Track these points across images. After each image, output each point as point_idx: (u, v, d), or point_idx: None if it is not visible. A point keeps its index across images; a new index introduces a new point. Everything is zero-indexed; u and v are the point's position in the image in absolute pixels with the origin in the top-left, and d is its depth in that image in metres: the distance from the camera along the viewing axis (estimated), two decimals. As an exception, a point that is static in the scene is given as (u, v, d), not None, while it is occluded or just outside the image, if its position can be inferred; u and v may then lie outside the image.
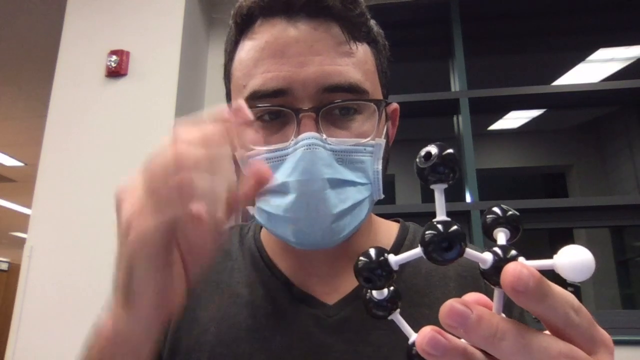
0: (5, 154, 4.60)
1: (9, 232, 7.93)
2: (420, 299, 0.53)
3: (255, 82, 0.47)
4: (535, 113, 3.40)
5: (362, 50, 0.50)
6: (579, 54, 2.87)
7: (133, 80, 1.87)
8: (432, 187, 0.25)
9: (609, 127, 3.36)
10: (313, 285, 0.54)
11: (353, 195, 0.47)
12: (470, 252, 0.24)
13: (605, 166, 3.44)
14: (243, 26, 0.50)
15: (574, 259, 0.23)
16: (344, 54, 0.48)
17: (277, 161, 0.46)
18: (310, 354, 0.50)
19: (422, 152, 0.25)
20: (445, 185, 0.25)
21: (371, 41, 0.52)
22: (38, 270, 1.71)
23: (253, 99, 0.47)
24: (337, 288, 0.53)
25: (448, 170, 0.24)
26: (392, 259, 0.26)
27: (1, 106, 3.61)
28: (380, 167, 0.49)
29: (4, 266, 5.85)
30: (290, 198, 0.45)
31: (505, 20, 2.41)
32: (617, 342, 1.76)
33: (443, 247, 0.24)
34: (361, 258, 0.26)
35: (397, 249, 0.57)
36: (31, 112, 3.60)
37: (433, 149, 0.25)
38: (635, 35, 2.56)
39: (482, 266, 0.25)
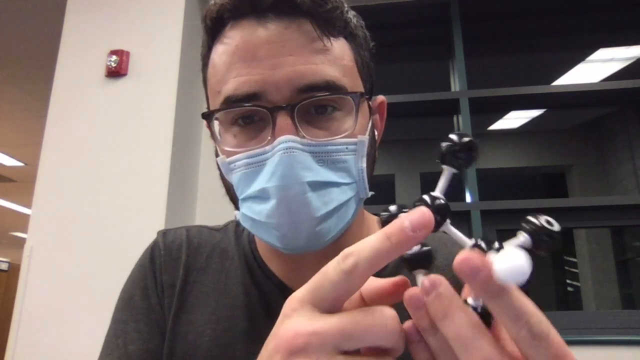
0: (5, 154, 4.60)
1: (9, 232, 7.93)
2: None
3: (228, 88, 0.46)
4: (535, 113, 3.40)
5: (338, 46, 0.48)
6: (579, 54, 2.87)
7: (133, 80, 1.87)
8: (443, 166, 0.28)
9: (609, 127, 3.36)
10: None
11: (337, 196, 0.45)
12: (452, 230, 0.27)
13: (605, 166, 3.44)
14: (214, 30, 0.49)
15: (508, 264, 0.24)
16: (318, 51, 0.46)
17: (257, 166, 0.45)
18: None
19: (457, 139, 0.28)
20: (454, 171, 0.28)
21: (348, 35, 0.49)
22: (38, 270, 1.71)
23: (227, 104, 0.46)
24: None
25: (464, 158, 0.27)
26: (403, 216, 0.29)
27: (1, 106, 3.61)
28: (364, 164, 0.47)
29: (4, 266, 5.85)
30: (270, 204, 0.44)
31: (505, 20, 2.41)
32: (617, 342, 1.76)
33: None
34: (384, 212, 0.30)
35: None
36: (31, 112, 3.60)
37: (465, 139, 0.27)
38: (635, 35, 2.56)
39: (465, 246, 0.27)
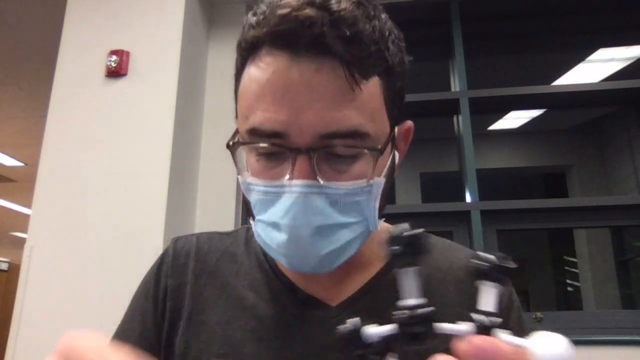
0: (5, 154, 4.60)
1: (9, 232, 7.93)
2: None
3: (255, 120, 0.47)
4: (535, 113, 3.40)
5: (370, 87, 0.47)
6: (579, 54, 2.87)
7: (133, 80, 1.87)
8: (394, 271, 0.27)
9: (609, 127, 3.36)
10: (316, 289, 0.55)
11: (345, 235, 0.48)
12: (443, 327, 0.26)
13: (605, 166, 3.44)
14: (249, 52, 0.50)
15: (552, 350, 0.23)
16: (346, 99, 0.46)
17: (274, 195, 0.47)
18: (314, 355, 0.51)
19: (390, 236, 0.27)
20: (408, 269, 0.27)
21: (383, 70, 0.49)
22: (38, 270, 1.71)
23: (252, 134, 0.48)
24: (340, 291, 0.55)
25: (410, 254, 0.26)
26: (370, 331, 0.28)
27: (1, 106, 3.61)
28: (377, 203, 0.49)
29: (4, 266, 5.85)
30: (281, 237, 0.47)
31: (505, 20, 2.41)
32: (617, 342, 1.76)
33: (409, 332, 0.26)
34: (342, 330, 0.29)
35: None
36: (31, 112, 3.60)
37: (398, 236, 0.27)
38: (635, 35, 2.56)
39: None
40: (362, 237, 0.50)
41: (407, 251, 0.26)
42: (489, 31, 2.45)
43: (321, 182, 0.46)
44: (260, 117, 0.47)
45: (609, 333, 1.72)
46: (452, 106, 2.13)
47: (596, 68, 2.98)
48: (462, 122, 2.05)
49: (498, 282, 0.26)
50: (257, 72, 0.48)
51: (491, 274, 0.26)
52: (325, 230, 0.47)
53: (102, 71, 1.88)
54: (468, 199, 1.97)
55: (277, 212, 0.47)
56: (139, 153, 1.78)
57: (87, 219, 1.73)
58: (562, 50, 2.85)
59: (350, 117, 0.46)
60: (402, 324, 0.25)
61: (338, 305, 0.53)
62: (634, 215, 1.94)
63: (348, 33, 0.44)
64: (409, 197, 3.70)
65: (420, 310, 0.25)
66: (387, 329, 0.26)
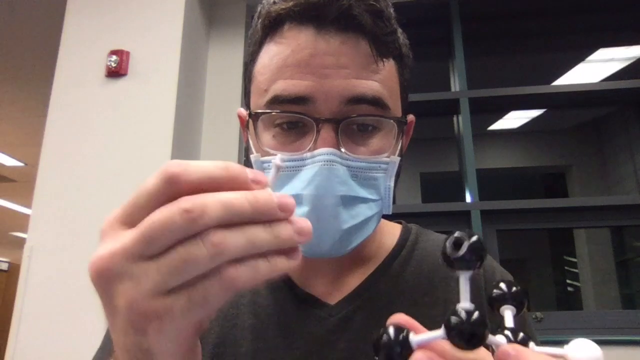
0: (5, 154, 4.60)
1: (9, 232, 7.93)
2: (422, 298, 0.53)
3: (277, 87, 0.47)
4: (535, 113, 3.40)
5: (388, 67, 0.50)
6: (579, 54, 2.87)
7: (133, 80, 1.87)
8: (458, 273, 0.27)
9: (609, 127, 3.36)
10: (315, 286, 0.55)
11: (364, 211, 0.48)
12: (491, 339, 0.26)
13: (605, 166, 3.44)
14: (270, 29, 0.50)
15: (586, 354, 0.24)
16: (370, 70, 0.48)
17: (292, 170, 0.47)
18: (312, 353, 0.50)
19: (451, 241, 0.26)
20: (470, 272, 0.26)
21: (397, 55, 0.52)
22: (38, 270, 1.71)
23: (273, 103, 0.47)
24: (339, 288, 0.54)
25: (475, 258, 0.26)
26: (413, 338, 0.27)
27: (1, 106, 3.61)
28: (392, 183, 0.51)
29: (4, 266, 5.85)
30: (303, 210, 0.46)
31: (505, 20, 2.41)
32: (617, 342, 1.75)
33: (466, 335, 0.25)
34: (384, 336, 0.28)
35: (399, 249, 0.58)
36: (31, 112, 3.59)
37: (462, 239, 0.26)
38: (635, 35, 2.56)
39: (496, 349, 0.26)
40: (377, 220, 0.50)
41: (473, 256, 0.26)
42: (489, 31, 2.45)
43: (344, 151, 0.46)
44: (283, 85, 0.47)
45: (609, 333, 1.72)
46: (452, 106, 2.13)
47: (596, 68, 2.99)
48: (462, 122, 2.05)
49: (516, 307, 0.29)
50: (278, 47, 0.48)
51: (508, 299, 0.28)
52: (348, 202, 0.46)
53: (102, 71, 1.88)
54: (468, 199, 1.97)
55: (297, 185, 0.46)
56: (139, 153, 1.78)
57: (87, 219, 1.73)
58: (562, 50, 2.85)
59: (374, 86, 0.47)
60: (457, 328, 0.25)
61: (337, 303, 0.53)
62: (634, 215, 1.94)
63: (376, 7, 0.47)
64: (409, 197, 3.70)
65: (476, 315, 0.25)
66: (433, 335, 0.26)
